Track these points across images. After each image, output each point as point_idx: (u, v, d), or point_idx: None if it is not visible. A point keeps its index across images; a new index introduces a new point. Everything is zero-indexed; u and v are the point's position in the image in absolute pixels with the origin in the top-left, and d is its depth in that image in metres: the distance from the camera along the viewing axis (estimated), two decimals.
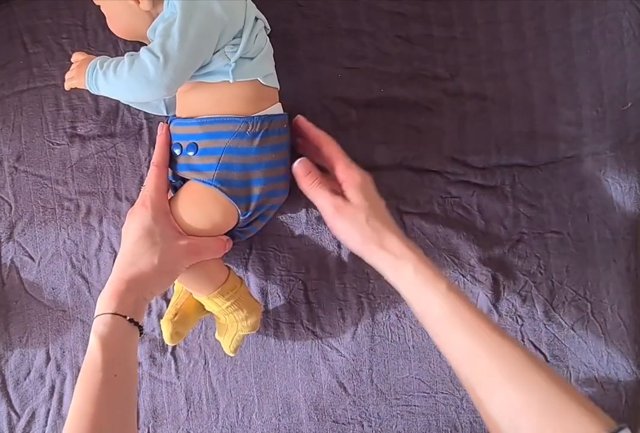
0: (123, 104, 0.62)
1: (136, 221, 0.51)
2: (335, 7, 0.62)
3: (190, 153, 0.52)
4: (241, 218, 0.54)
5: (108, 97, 0.62)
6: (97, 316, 0.49)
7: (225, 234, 0.56)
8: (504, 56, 0.63)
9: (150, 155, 0.63)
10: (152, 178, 0.53)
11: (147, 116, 0.63)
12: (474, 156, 0.63)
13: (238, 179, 0.52)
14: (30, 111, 0.64)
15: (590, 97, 0.63)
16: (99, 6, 0.53)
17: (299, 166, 0.55)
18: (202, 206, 0.53)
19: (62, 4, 0.63)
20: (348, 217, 0.52)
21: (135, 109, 0.62)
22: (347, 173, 0.53)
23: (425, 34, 0.62)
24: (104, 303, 0.49)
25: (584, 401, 0.42)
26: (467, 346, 0.46)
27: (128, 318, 0.49)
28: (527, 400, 0.42)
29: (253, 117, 0.51)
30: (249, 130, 0.51)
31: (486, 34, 0.63)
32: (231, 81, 0.50)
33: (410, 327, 0.64)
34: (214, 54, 0.49)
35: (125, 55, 0.49)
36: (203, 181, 0.52)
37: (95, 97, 0.63)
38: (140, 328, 0.50)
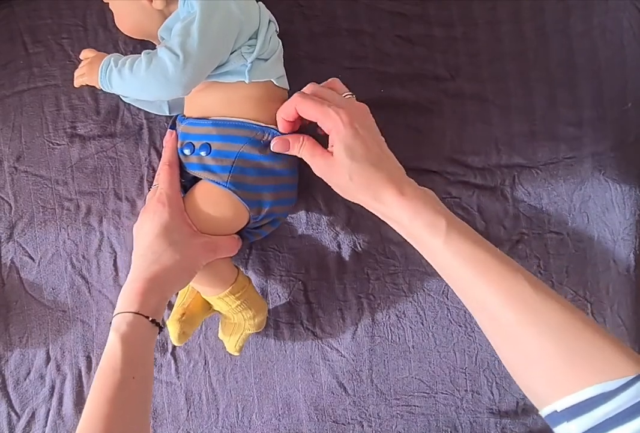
0: (123, 104, 0.62)
1: (153, 219, 0.51)
2: (336, 8, 0.62)
3: (203, 153, 0.52)
4: (252, 219, 0.54)
5: (108, 97, 0.63)
6: (118, 313, 0.48)
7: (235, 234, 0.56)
8: (504, 56, 0.63)
9: (150, 155, 0.63)
10: (165, 176, 0.53)
11: (148, 116, 0.63)
12: (474, 156, 0.63)
13: (251, 184, 0.52)
14: (30, 111, 0.64)
15: (591, 98, 0.63)
16: (107, 4, 0.53)
17: (276, 146, 0.51)
18: (215, 206, 0.53)
19: (63, 4, 0.63)
20: (333, 175, 0.48)
21: (136, 109, 0.62)
22: (328, 122, 0.47)
23: (425, 34, 0.63)
24: (127, 301, 0.48)
25: (610, 339, 0.39)
26: (478, 291, 0.43)
27: (150, 318, 0.48)
28: (542, 346, 0.39)
29: (270, 128, 0.51)
30: (264, 139, 0.51)
31: (487, 34, 0.63)
32: (247, 81, 0.51)
33: (410, 327, 0.64)
34: (230, 54, 0.50)
35: (142, 53, 0.49)
36: (217, 183, 0.52)
37: (96, 97, 0.63)
38: (160, 329, 0.50)
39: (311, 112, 0.48)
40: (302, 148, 0.50)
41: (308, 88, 0.49)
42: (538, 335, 0.40)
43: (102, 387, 0.45)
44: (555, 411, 0.38)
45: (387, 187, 0.46)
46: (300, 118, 0.50)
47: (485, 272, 0.42)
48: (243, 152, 0.51)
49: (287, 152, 0.51)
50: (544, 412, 0.40)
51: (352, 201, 0.49)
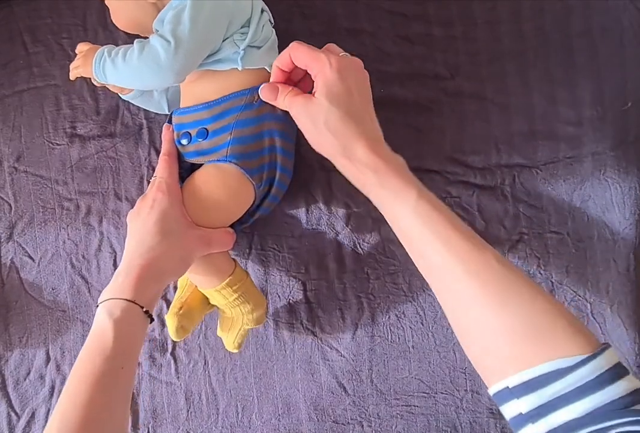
0: (123, 104, 0.63)
1: (153, 206, 0.51)
2: (336, 7, 0.62)
3: (200, 139, 0.53)
4: (256, 189, 0.54)
5: (108, 97, 0.63)
6: (112, 298, 0.47)
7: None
8: (504, 56, 0.63)
9: (150, 155, 0.63)
10: (164, 166, 0.53)
11: (147, 115, 0.63)
12: (473, 156, 0.63)
13: (251, 151, 0.52)
14: (30, 110, 0.64)
15: (590, 97, 0.63)
16: (102, 1, 0.53)
17: (263, 91, 0.49)
18: (217, 187, 0.53)
19: (63, 4, 0.63)
20: (308, 118, 0.45)
21: (136, 109, 0.62)
22: (316, 65, 0.45)
23: (425, 33, 0.63)
24: (122, 285, 0.47)
25: (570, 319, 0.38)
26: (441, 262, 0.42)
27: (144, 309, 0.48)
28: (501, 320, 0.39)
29: (258, 86, 0.51)
30: (255, 99, 0.51)
31: (486, 33, 0.63)
32: (240, 68, 0.51)
33: (410, 327, 0.64)
34: (223, 41, 0.50)
35: (135, 42, 0.49)
36: (217, 160, 0.52)
37: (96, 97, 0.63)
38: (151, 321, 0.49)
39: (303, 57, 0.46)
40: (287, 96, 0.47)
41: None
42: (499, 306, 0.39)
43: (87, 372, 0.44)
44: (507, 387, 0.38)
45: (359, 142, 0.44)
46: (294, 72, 0.49)
47: (452, 242, 0.41)
48: (239, 120, 0.51)
49: (273, 103, 0.49)
50: (494, 388, 0.39)
51: (321, 153, 0.47)
